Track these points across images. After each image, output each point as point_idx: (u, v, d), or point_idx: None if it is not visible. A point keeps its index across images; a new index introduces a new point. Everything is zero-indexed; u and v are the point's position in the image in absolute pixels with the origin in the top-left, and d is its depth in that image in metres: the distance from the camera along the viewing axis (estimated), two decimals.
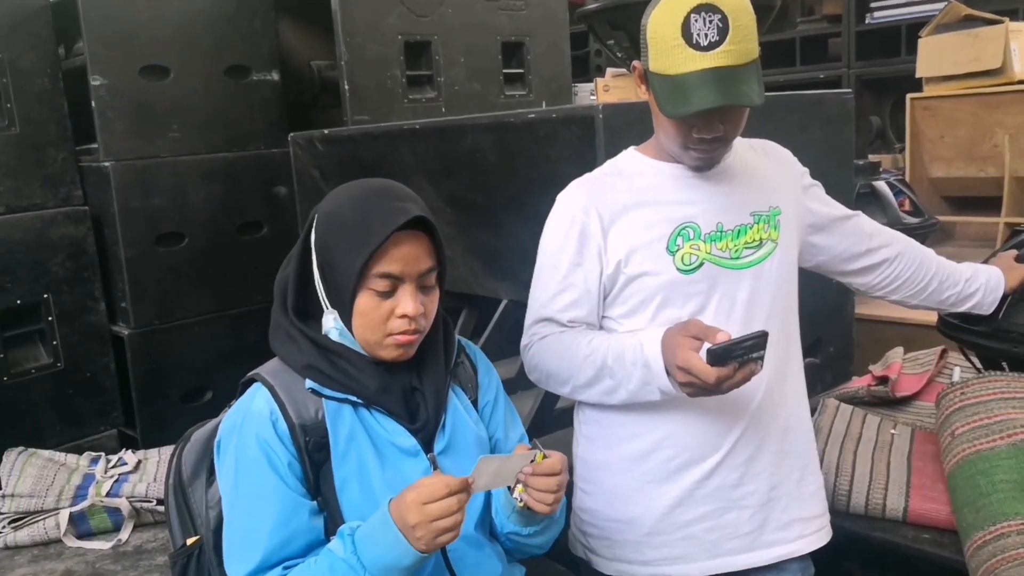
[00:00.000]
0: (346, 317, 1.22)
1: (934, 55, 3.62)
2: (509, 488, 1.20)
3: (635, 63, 1.38)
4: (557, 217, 1.44)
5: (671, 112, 1.28)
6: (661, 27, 1.26)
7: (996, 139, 3.49)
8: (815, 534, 1.48)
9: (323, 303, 1.24)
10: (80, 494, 2.12)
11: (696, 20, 1.23)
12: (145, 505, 2.09)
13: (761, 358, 1.23)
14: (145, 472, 2.17)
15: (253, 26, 2.94)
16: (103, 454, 2.28)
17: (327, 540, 1.18)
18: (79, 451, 2.43)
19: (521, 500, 1.19)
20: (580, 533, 1.52)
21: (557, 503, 1.19)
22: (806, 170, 1.57)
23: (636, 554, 1.44)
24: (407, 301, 1.20)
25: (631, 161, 1.46)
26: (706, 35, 1.23)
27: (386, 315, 1.21)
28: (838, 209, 1.59)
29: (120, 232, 2.70)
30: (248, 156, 2.96)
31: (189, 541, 1.33)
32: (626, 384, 1.34)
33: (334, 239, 1.22)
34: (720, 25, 1.23)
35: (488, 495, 1.32)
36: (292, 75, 3.25)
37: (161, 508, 2.06)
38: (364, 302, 1.20)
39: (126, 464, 2.21)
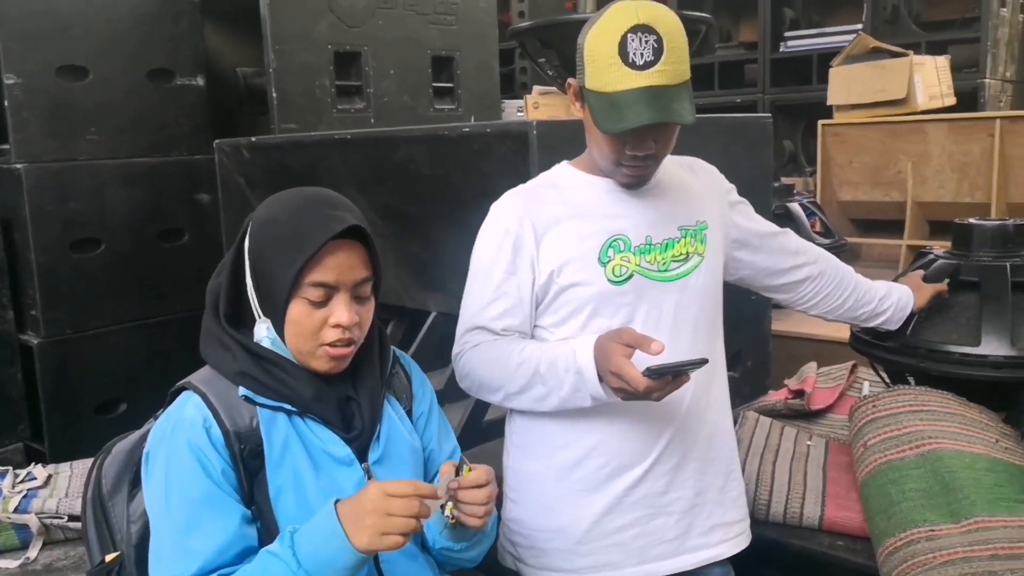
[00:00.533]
0: (279, 326, 1.21)
1: (844, 84, 3.80)
2: (441, 507, 1.20)
3: (571, 80, 1.41)
4: (491, 226, 1.46)
5: (607, 128, 1.31)
6: (598, 46, 1.30)
7: (900, 166, 3.68)
8: (736, 539, 1.54)
9: (256, 312, 1.22)
10: None
11: (632, 40, 1.27)
12: (56, 521, 2.00)
13: (693, 370, 1.28)
14: (56, 487, 2.08)
15: (178, 29, 2.87)
16: (10, 468, 2.18)
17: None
18: None
19: (452, 516, 1.18)
20: (509, 543, 1.53)
21: (488, 515, 1.20)
22: (732, 187, 1.63)
23: (565, 562, 1.47)
24: (341, 311, 1.20)
25: (564, 175, 1.49)
26: (642, 54, 1.27)
27: (319, 324, 1.20)
28: (765, 226, 1.65)
29: (32, 236, 2.59)
30: (170, 162, 2.88)
31: (108, 557, 1.29)
32: (558, 391, 1.37)
33: (268, 247, 1.20)
34: (655, 45, 1.27)
35: None
36: (217, 80, 3.18)
37: (73, 525, 1.97)
38: (297, 311, 1.19)
39: (35, 479, 2.11)
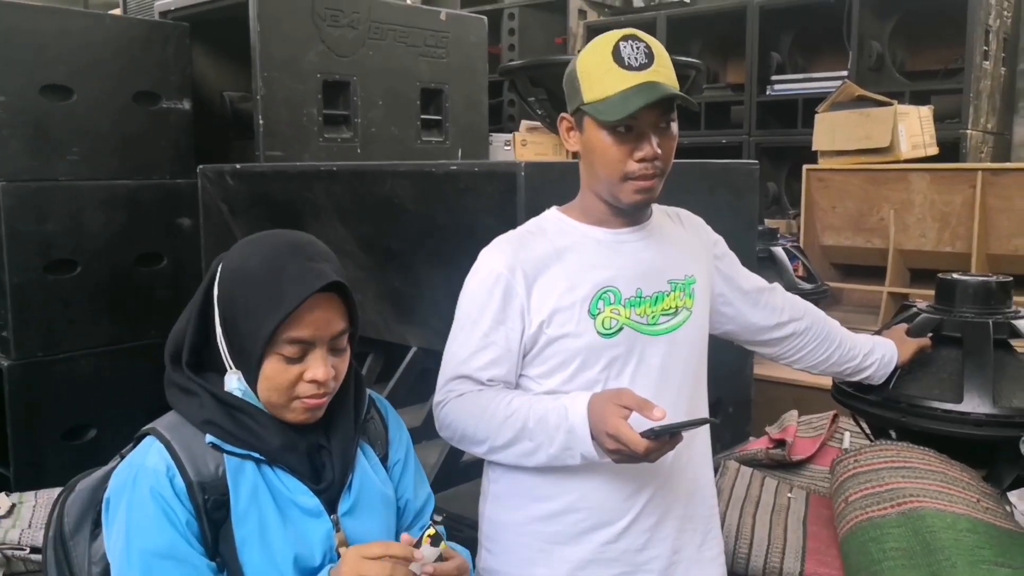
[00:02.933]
0: (250, 378, 1.17)
1: (828, 130, 3.84)
2: None
3: (563, 115, 1.41)
4: (481, 273, 1.42)
5: (611, 115, 1.30)
6: (592, 59, 1.34)
7: (883, 212, 3.71)
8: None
9: (226, 363, 1.18)
10: None
11: (625, 46, 1.31)
12: (18, 553, 1.95)
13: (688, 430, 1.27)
14: (19, 517, 2.02)
15: (166, 52, 2.86)
16: None
17: None
18: None
19: None
20: None
21: None
22: (719, 239, 1.61)
23: None
24: (317, 366, 1.16)
25: (554, 221, 1.47)
26: (636, 58, 1.31)
27: (294, 380, 1.16)
28: (751, 281, 1.64)
29: (6, 256, 2.55)
30: (152, 185, 2.85)
31: None
32: (547, 448, 1.33)
33: (241, 298, 1.16)
34: (647, 51, 1.32)
35: None
36: (203, 104, 3.17)
37: (35, 557, 1.92)
38: (271, 367, 1.16)
39: None
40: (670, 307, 1.44)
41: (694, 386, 1.49)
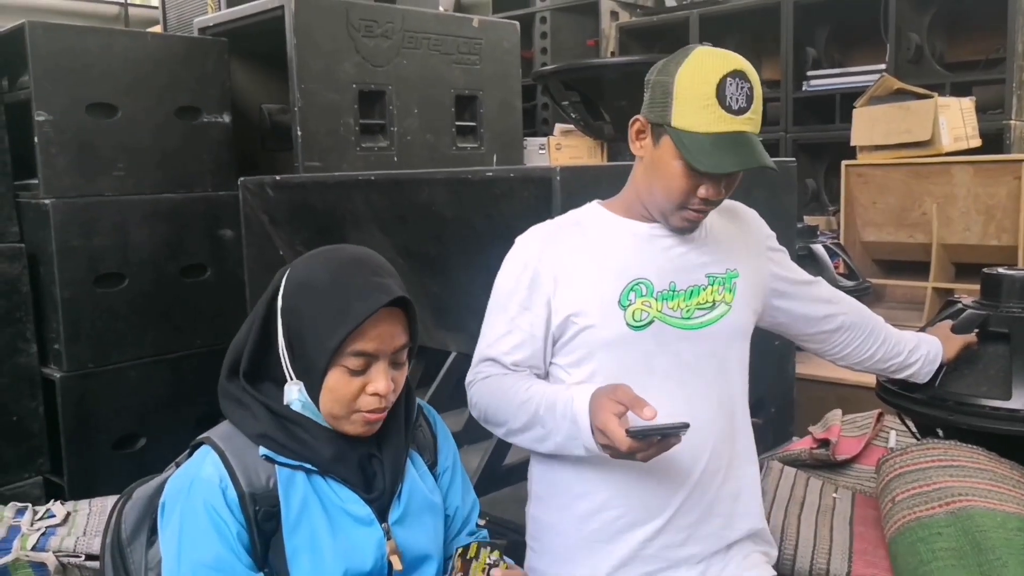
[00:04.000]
0: (312, 390, 1.20)
1: (867, 125, 3.78)
2: None
3: (637, 117, 1.40)
4: (512, 260, 1.46)
5: (707, 168, 1.30)
6: (694, 85, 1.31)
7: (925, 207, 3.65)
8: (755, 569, 1.50)
9: (288, 373, 1.20)
10: (3, 547, 2.01)
11: (731, 84, 1.30)
12: (73, 560, 1.99)
13: (682, 434, 1.25)
14: (75, 525, 2.07)
15: (205, 67, 2.91)
16: (29, 504, 2.17)
17: None
18: (1, 500, 2.32)
19: None
20: None
21: None
22: (773, 234, 1.61)
23: None
24: (379, 380, 1.19)
25: (592, 214, 1.48)
26: (737, 99, 1.30)
27: (356, 392, 1.19)
28: (799, 274, 1.63)
29: (57, 271, 2.61)
30: (194, 198, 2.90)
31: None
32: (554, 435, 1.35)
33: (308, 311, 1.18)
34: (748, 93, 1.31)
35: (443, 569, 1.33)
36: (241, 117, 3.22)
37: (91, 564, 1.96)
38: (335, 379, 1.18)
39: (54, 516, 2.10)
40: (706, 301, 1.43)
41: (731, 382, 1.48)
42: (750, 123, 1.32)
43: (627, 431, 1.22)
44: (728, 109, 1.29)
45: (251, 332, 1.23)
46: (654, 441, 1.23)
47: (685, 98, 1.31)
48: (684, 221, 1.39)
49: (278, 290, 1.22)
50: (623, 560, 1.42)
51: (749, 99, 1.30)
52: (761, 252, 1.55)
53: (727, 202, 1.56)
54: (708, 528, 1.45)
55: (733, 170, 1.31)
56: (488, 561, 1.18)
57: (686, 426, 1.24)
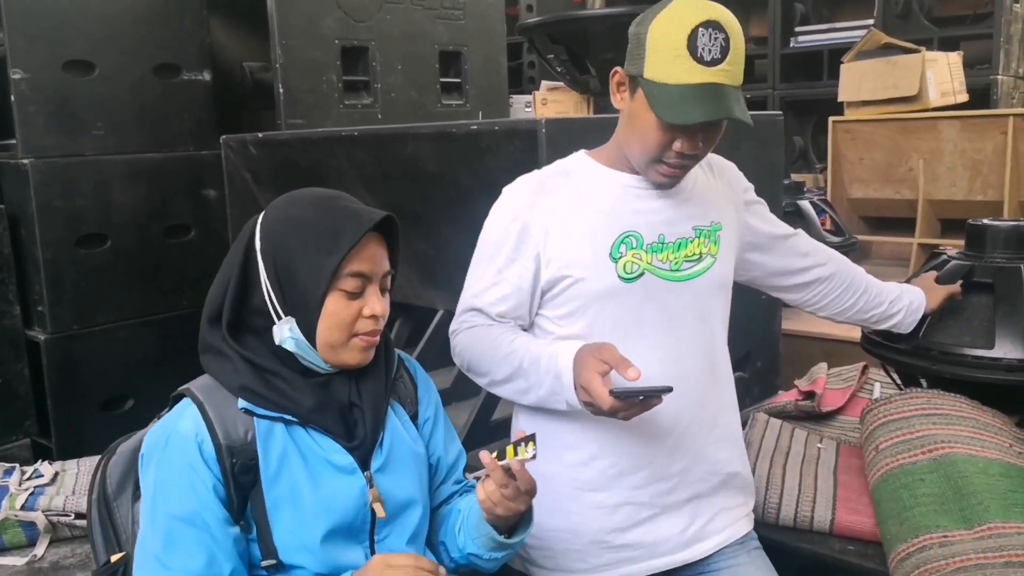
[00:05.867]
0: (304, 324, 1.19)
1: (855, 81, 3.77)
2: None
3: (617, 69, 1.37)
4: (501, 210, 1.45)
5: (672, 120, 1.28)
6: (666, 36, 1.27)
7: (912, 163, 3.65)
8: (741, 520, 1.54)
9: (275, 313, 1.19)
10: None
11: (703, 35, 1.25)
12: (63, 519, 2.00)
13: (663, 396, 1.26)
14: (63, 484, 2.07)
15: (184, 24, 2.86)
16: (17, 465, 2.17)
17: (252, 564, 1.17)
18: None
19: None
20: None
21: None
22: (751, 186, 1.60)
23: (579, 562, 1.45)
24: (375, 301, 1.21)
25: (580, 164, 1.46)
26: (710, 51, 1.26)
27: (355, 316, 1.20)
28: (778, 228, 1.63)
29: (38, 232, 2.58)
30: (176, 157, 2.87)
31: (113, 558, 1.28)
32: (537, 389, 1.36)
33: (298, 243, 1.19)
34: (723, 44, 1.26)
35: (440, 514, 1.36)
36: (223, 75, 3.17)
37: (80, 523, 1.97)
38: (334, 304, 1.19)
39: (42, 476, 2.10)
40: (694, 253, 1.43)
41: (715, 334, 1.49)
42: (725, 75, 1.27)
43: (610, 391, 1.22)
44: (700, 60, 1.25)
45: (230, 282, 1.21)
46: (636, 402, 1.24)
47: (656, 49, 1.28)
48: (661, 176, 1.37)
49: (253, 236, 1.22)
50: (617, 505, 1.44)
51: (724, 50, 1.26)
52: (739, 203, 1.55)
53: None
54: (696, 473, 1.47)
55: (699, 120, 1.27)
56: (527, 456, 1.18)
57: (669, 389, 1.24)
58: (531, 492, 1.20)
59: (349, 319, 1.20)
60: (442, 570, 1.15)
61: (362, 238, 1.18)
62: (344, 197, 1.25)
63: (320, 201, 1.23)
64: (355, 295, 1.20)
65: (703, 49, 1.25)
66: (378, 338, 1.24)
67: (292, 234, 1.20)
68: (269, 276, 1.20)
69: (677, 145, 1.32)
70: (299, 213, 1.21)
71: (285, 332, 1.19)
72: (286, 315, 1.19)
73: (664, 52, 1.27)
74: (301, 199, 1.24)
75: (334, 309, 1.19)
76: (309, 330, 1.19)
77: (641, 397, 1.24)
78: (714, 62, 1.26)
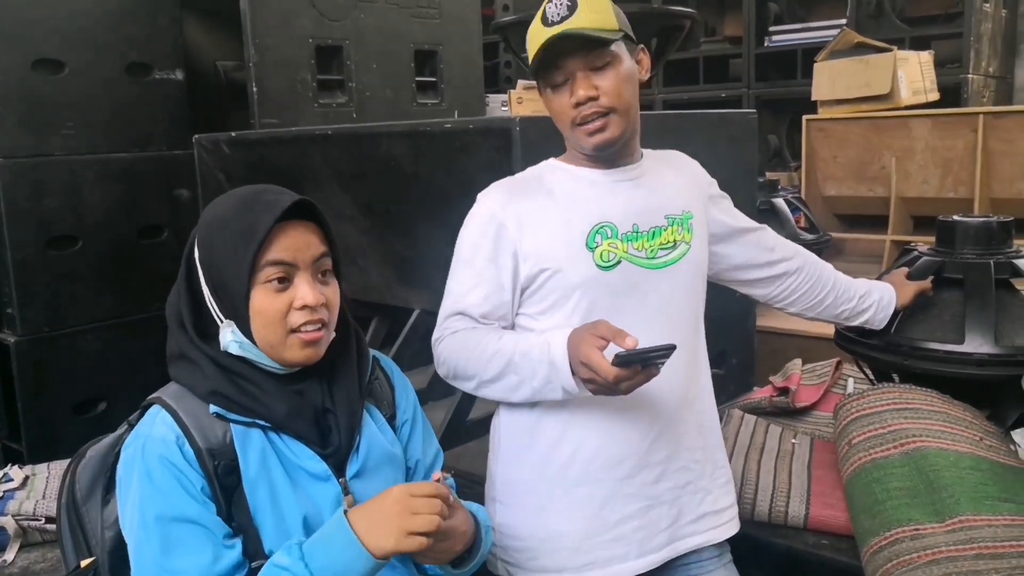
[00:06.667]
0: (244, 325, 1.16)
1: (828, 80, 3.80)
2: None
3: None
4: (476, 214, 1.45)
5: (531, 66, 1.38)
6: (532, 27, 1.39)
7: (884, 161, 3.68)
8: (726, 524, 1.53)
9: (217, 318, 1.17)
10: None
11: (550, 6, 1.36)
12: (33, 524, 1.97)
13: (662, 364, 1.25)
14: (33, 488, 2.05)
15: (156, 22, 2.83)
16: None
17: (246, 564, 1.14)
18: None
19: None
20: (500, 549, 1.48)
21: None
22: (714, 181, 1.62)
23: (567, 561, 1.43)
24: (304, 290, 1.15)
25: (552, 168, 1.49)
26: (557, 13, 1.35)
27: (284, 309, 1.15)
28: (743, 221, 1.64)
29: (7, 234, 2.55)
30: (149, 157, 2.84)
31: (83, 563, 1.25)
32: (530, 381, 1.35)
33: (219, 243, 1.16)
34: (569, 4, 1.35)
35: None
36: (196, 75, 3.14)
37: (50, 527, 1.94)
38: (259, 299, 1.15)
39: (12, 480, 2.07)
40: (668, 241, 1.45)
41: (694, 321, 1.50)
42: (576, 22, 1.34)
43: (615, 357, 1.21)
44: (551, 24, 1.34)
45: (180, 292, 1.20)
46: (638, 369, 1.23)
47: (528, 39, 1.40)
48: (588, 137, 1.39)
49: (193, 242, 1.20)
50: (603, 500, 1.43)
51: (571, 7, 1.34)
52: (703, 196, 1.57)
53: (667, 152, 1.57)
54: (680, 462, 1.47)
55: (536, 48, 1.34)
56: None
57: (673, 347, 1.23)
58: (454, 531, 1.17)
59: (279, 314, 1.15)
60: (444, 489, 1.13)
61: (275, 226, 1.13)
62: (268, 190, 1.19)
63: (240, 198, 1.18)
64: (281, 288, 1.15)
65: (551, 15, 1.35)
66: (321, 331, 1.18)
67: (215, 236, 1.16)
68: (206, 281, 1.18)
69: (571, 100, 1.37)
70: (221, 213, 1.18)
71: (228, 336, 1.16)
72: (226, 319, 1.17)
73: (530, 36, 1.39)
74: (224, 199, 1.21)
75: (261, 305, 1.15)
76: (247, 331, 1.16)
77: (641, 365, 1.23)
78: (562, 19, 1.34)
